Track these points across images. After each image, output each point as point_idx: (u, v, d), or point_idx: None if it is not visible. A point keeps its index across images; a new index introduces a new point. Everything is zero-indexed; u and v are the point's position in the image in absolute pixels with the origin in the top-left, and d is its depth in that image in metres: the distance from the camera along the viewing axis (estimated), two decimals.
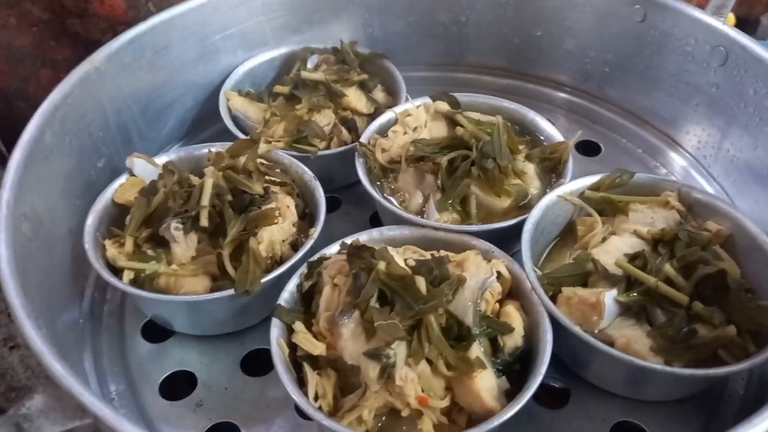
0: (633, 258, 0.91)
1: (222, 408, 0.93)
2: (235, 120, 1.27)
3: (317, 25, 1.39)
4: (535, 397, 0.92)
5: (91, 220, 0.99)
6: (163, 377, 0.97)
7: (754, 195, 1.09)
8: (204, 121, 1.33)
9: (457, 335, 0.82)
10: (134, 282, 0.95)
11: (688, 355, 0.82)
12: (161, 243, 0.97)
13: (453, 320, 0.83)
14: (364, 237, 0.99)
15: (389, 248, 0.93)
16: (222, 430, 0.91)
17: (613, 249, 0.94)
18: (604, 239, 0.97)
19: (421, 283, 0.83)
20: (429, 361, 0.80)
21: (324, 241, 0.99)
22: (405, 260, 0.90)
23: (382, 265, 0.84)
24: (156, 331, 1.03)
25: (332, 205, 1.25)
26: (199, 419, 0.91)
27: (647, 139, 1.30)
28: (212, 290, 0.94)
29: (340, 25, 1.41)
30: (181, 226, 0.95)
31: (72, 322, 0.98)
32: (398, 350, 0.79)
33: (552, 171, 1.11)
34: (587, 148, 1.33)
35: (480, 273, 0.87)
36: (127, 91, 1.15)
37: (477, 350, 0.81)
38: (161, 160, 1.11)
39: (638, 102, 1.31)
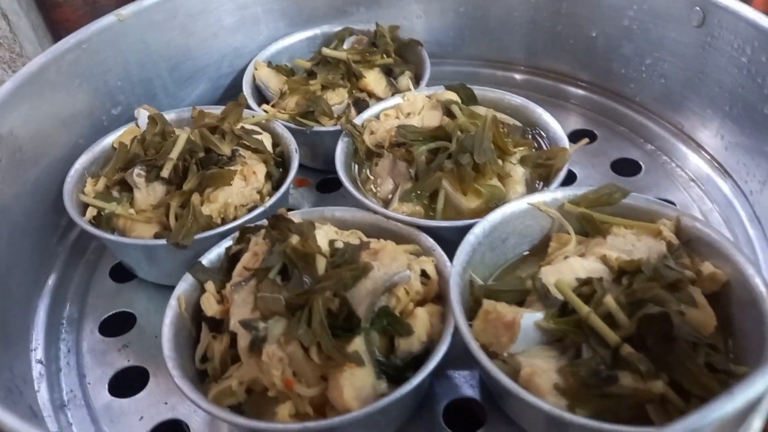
0: (584, 284, 0.78)
1: (144, 354, 0.94)
2: (259, 90, 1.29)
3: (365, 8, 1.37)
4: (447, 417, 0.83)
5: (83, 158, 1.06)
6: (108, 315, 1.01)
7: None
8: (236, 90, 1.36)
9: (346, 325, 0.76)
10: (96, 220, 1.00)
11: (598, 403, 0.68)
12: (128, 187, 1.01)
13: (346, 308, 0.76)
14: (314, 214, 0.95)
15: (326, 228, 0.89)
16: (133, 373, 0.92)
17: (567, 270, 0.81)
18: (566, 258, 0.84)
19: (321, 262, 0.78)
20: (304, 346, 0.74)
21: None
22: (333, 241, 0.85)
23: (294, 239, 0.81)
24: (122, 274, 1.07)
25: (334, 185, 1.22)
26: (118, 358, 0.94)
27: (696, 163, 1.11)
28: (154, 236, 0.96)
29: (390, 10, 1.38)
30: (143, 173, 0.98)
31: (42, 245, 1.05)
32: (274, 326, 0.75)
33: (547, 179, 0.99)
34: (627, 167, 1.17)
35: (393, 266, 0.80)
36: (154, 48, 1.21)
37: (359, 344, 0.74)
38: (170, 116, 1.15)
39: (694, 122, 1.12)
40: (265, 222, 0.92)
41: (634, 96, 1.21)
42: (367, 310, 0.76)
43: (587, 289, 0.77)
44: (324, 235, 0.85)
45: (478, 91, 1.11)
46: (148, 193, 0.99)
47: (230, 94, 1.38)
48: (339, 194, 1.21)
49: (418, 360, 0.76)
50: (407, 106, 1.08)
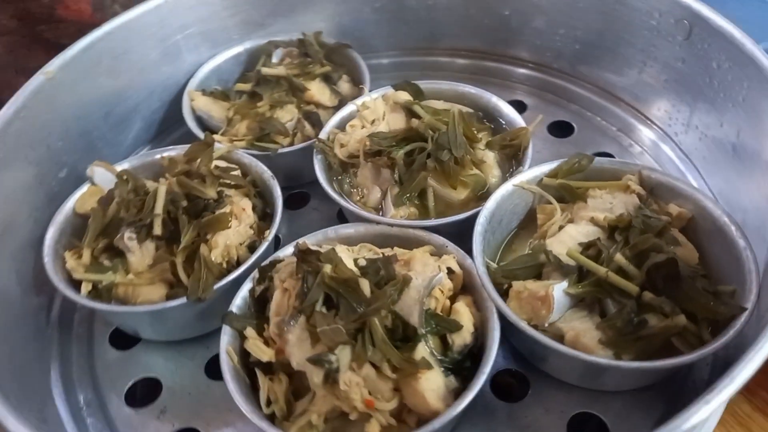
0: (587, 247, 0.89)
1: (185, 413, 0.94)
2: (200, 120, 1.27)
3: (282, 18, 1.38)
4: (494, 388, 0.92)
5: (51, 232, 1.01)
6: (129, 384, 0.98)
7: (723, 173, 1.05)
8: (173, 122, 1.33)
9: (404, 336, 0.82)
10: (93, 293, 0.96)
11: (637, 346, 0.80)
12: (118, 253, 0.98)
13: (399, 321, 0.82)
14: (318, 237, 0.99)
15: (339, 248, 0.93)
16: None
17: (567, 238, 0.92)
18: (561, 228, 0.95)
19: (365, 285, 0.82)
20: (374, 365, 0.79)
21: (291, 238, 0.99)
22: (356, 260, 0.90)
23: (327, 268, 0.84)
24: (124, 339, 1.04)
25: (301, 201, 1.25)
26: (161, 426, 0.93)
27: (621, 116, 1.27)
28: (168, 298, 0.95)
29: (307, 16, 1.39)
30: (134, 235, 0.96)
31: (36, 332, 1.00)
32: (341, 355, 0.79)
33: (513, 158, 1.09)
34: (561, 129, 1.30)
35: (427, 271, 0.86)
36: (87, 98, 1.15)
37: (423, 350, 0.81)
38: (122, 166, 1.11)
39: (610, 79, 1.27)
40: (282, 255, 0.95)
41: (552, 63, 1.34)
42: (419, 318, 0.82)
43: (593, 251, 0.88)
44: (346, 257, 0.90)
45: (430, 85, 1.18)
46: (142, 255, 0.97)
47: (164, 128, 1.34)
48: (310, 208, 1.24)
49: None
50: (370, 114, 1.12)
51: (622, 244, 0.88)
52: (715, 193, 1.07)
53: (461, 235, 0.96)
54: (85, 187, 1.08)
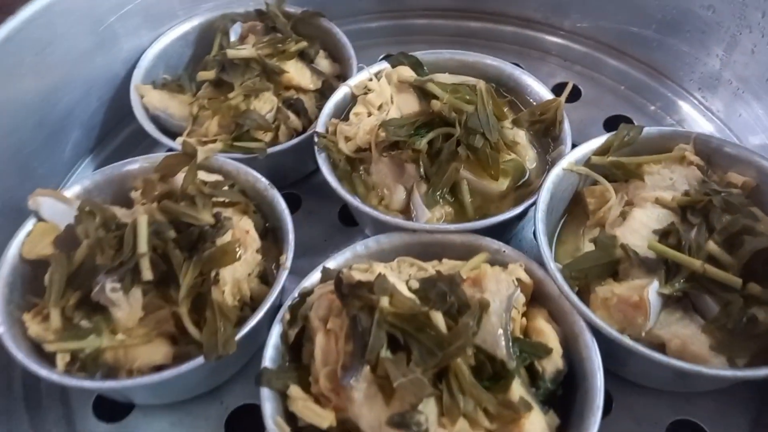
0: (664, 235, 0.79)
1: None
2: (156, 120, 1.04)
3: None
4: None
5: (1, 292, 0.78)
6: None
7: (766, 130, 0.97)
8: (116, 122, 1.10)
9: (492, 373, 0.68)
10: (72, 363, 0.75)
11: (751, 346, 0.71)
12: (97, 308, 0.77)
13: (483, 355, 0.68)
14: (347, 255, 0.83)
15: (381, 269, 0.77)
16: None
17: (639, 226, 0.81)
18: (622, 213, 0.84)
19: (439, 320, 0.67)
20: (465, 415, 0.65)
21: (294, 251, 0.82)
22: (406, 282, 0.74)
23: (384, 302, 0.68)
24: (112, 407, 0.84)
25: (291, 204, 1.06)
26: None
27: (630, 74, 1.16)
28: (175, 357, 0.75)
29: None
30: (118, 285, 0.75)
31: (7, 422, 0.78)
32: (428, 410, 0.64)
33: (545, 135, 0.95)
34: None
35: (502, 289, 0.72)
36: (11, 108, 0.90)
37: (518, 389, 0.67)
38: (74, 190, 0.88)
39: (612, 30, 1.15)
40: (308, 285, 0.78)
41: (542, 18, 1.21)
42: (506, 349, 0.69)
43: (672, 239, 0.78)
44: (396, 280, 0.74)
45: (429, 56, 1.01)
46: (131, 307, 0.76)
47: (107, 132, 1.11)
48: (305, 211, 1.07)
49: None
50: (375, 98, 0.95)
51: (705, 228, 0.77)
52: None
53: (500, 231, 0.83)
54: (30, 224, 0.84)
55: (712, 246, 0.74)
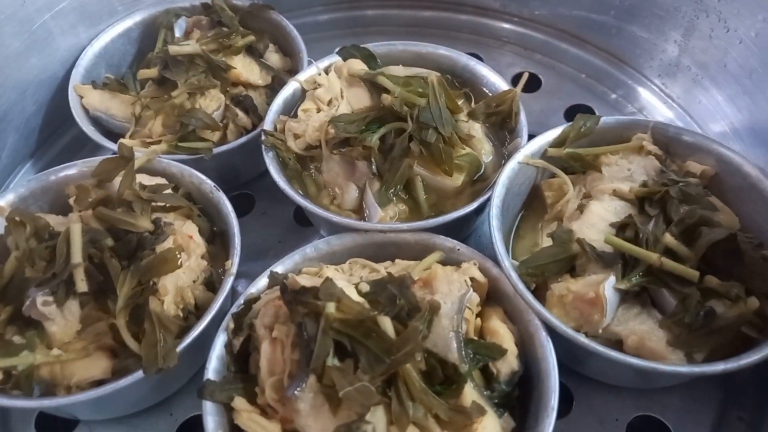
0: (621, 228, 0.76)
1: None
2: (97, 121, 0.99)
3: None
4: None
5: None
6: None
7: (726, 117, 0.95)
8: (57, 126, 1.05)
9: (444, 377, 0.65)
10: (6, 381, 0.71)
11: (709, 341, 0.69)
12: (30, 322, 0.73)
13: (434, 360, 0.66)
14: (296, 258, 0.79)
15: (330, 272, 0.74)
16: None
17: (596, 220, 0.78)
18: (580, 206, 0.81)
19: (387, 325, 0.64)
20: (415, 422, 0.63)
21: (244, 256, 0.79)
22: (356, 285, 0.71)
23: (331, 308, 0.65)
24: (55, 423, 0.80)
25: (244, 205, 1.02)
26: None
27: (590, 61, 1.14)
28: (115, 372, 0.72)
29: None
30: (50, 298, 0.71)
31: None
32: (376, 419, 0.61)
33: (501, 127, 0.92)
34: (526, 82, 1.15)
35: (454, 290, 0.70)
36: None
37: (471, 393, 0.65)
38: (8, 199, 0.84)
39: (575, 19, 1.13)
40: (254, 291, 0.74)
41: (500, 6, 1.18)
42: (458, 352, 0.66)
43: (629, 232, 0.76)
44: (344, 284, 0.70)
45: (383, 48, 0.98)
46: (66, 321, 0.72)
47: (46, 136, 1.06)
48: (257, 213, 1.03)
49: None
50: (324, 93, 0.91)
51: (662, 220, 0.75)
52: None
53: (456, 229, 0.80)
54: None
55: (669, 238, 0.72)
